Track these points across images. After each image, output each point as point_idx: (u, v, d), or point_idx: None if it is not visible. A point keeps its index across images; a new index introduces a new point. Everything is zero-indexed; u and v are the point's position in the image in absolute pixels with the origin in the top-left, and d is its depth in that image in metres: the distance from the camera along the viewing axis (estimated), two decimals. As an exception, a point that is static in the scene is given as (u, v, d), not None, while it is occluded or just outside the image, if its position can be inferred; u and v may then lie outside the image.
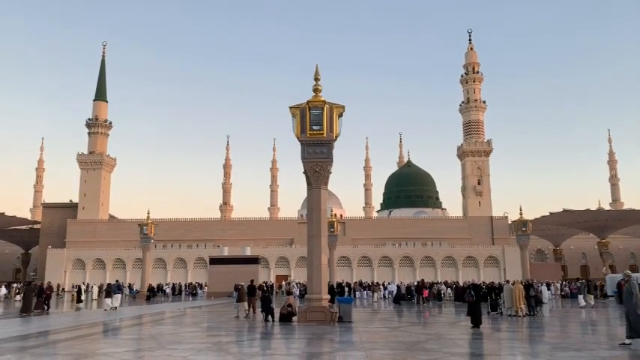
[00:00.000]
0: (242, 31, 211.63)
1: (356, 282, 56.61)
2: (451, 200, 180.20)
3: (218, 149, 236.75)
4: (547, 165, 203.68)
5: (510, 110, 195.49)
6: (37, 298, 28.75)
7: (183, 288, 60.65)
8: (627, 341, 12.98)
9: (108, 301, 30.45)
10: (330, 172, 21.12)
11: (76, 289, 35.02)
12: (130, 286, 59.82)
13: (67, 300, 41.06)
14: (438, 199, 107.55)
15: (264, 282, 55.81)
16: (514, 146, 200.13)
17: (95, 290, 49.68)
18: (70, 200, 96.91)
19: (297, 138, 20.84)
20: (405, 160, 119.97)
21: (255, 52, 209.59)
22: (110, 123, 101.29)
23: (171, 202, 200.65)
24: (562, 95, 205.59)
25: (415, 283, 43.15)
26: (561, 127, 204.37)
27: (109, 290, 31.57)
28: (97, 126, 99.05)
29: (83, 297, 38.00)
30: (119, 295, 32.62)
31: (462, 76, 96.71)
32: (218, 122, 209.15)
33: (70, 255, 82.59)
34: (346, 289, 47.09)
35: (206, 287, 55.84)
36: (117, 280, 42.91)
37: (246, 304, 23.82)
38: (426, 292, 38.75)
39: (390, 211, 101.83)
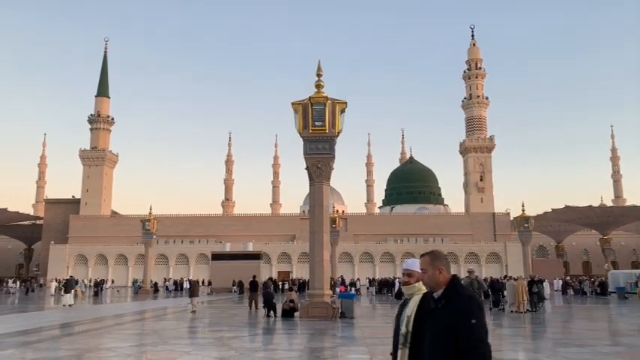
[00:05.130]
0: (244, 27, 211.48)
1: (339, 277, 55.92)
2: (453, 196, 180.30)
3: (220, 145, 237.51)
4: (549, 161, 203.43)
5: (513, 106, 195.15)
6: None
7: (184, 284, 60.66)
8: None
9: (67, 297, 29.73)
10: (332, 168, 21.11)
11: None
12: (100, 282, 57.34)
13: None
14: (440, 195, 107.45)
15: (274, 279, 55.65)
16: (516, 142, 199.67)
17: (53, 286, 46.07)
18: (73, 196, 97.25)
19: (300, 134, 20.82)
20: (407, 156, 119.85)
21: (258, 47, 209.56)
22: (112, 119, 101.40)
23: (173, 197, 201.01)
24: (565, 91, 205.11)
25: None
26: (564, 124, 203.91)
27: (67, 286, 30.91)
28: (99, 122, 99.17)
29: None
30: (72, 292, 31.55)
31: (464, 72, 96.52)
32: (220, 118, 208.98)
33: (72, 250, 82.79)
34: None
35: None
36: (71, 276, 40.95)
37: (196, 299, 23.83)
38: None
39: (392, 207, 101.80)
